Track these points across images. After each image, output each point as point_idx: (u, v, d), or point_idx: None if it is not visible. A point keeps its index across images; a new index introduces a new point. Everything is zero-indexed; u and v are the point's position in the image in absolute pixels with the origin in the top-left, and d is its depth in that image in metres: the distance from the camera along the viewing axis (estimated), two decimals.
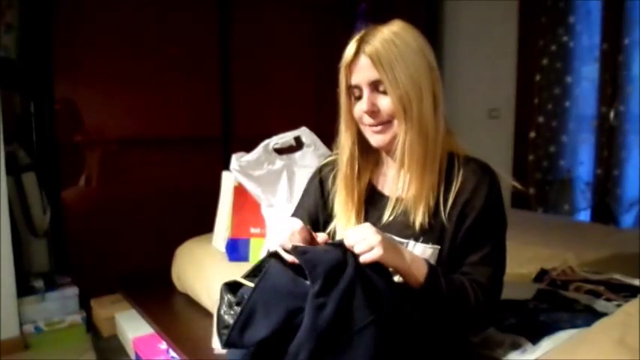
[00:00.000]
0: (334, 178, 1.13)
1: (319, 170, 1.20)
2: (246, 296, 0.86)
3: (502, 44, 3.21)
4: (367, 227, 0.90)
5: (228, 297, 0.89)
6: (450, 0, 3.49)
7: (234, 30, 2.88)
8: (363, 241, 0.88)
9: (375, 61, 0.97)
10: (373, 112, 1.00)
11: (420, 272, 0.93)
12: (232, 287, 0.92)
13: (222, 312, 0.88)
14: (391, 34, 0.98)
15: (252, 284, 0.87)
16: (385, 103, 0.99)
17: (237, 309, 0.86)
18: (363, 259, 0.87)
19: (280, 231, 0.94)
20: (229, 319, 0.86)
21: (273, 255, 0.91)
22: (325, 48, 3.00)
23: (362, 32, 1.01)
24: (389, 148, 1.05)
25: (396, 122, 1.00)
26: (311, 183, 1.21)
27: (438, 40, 3.46)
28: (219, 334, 0.87)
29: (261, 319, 0.82)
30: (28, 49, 2.42)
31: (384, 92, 0.99)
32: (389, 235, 0.99)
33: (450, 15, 3.50)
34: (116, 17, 2.54)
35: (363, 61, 0.99)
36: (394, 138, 1.02)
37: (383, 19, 1.03)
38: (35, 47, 2.41)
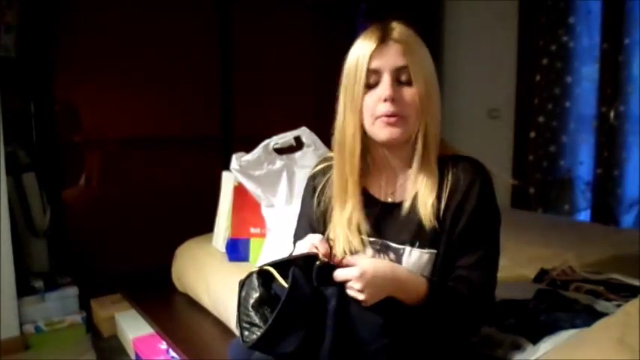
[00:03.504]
0: (327, 183, 1.10)
1: (312, 178, 1.16)
2: (277, 293, 0.87)
3: (502, 44, 3.20)
4: (356, 273, 0.87)
5: (261, 291, 0.86)
6: (450, 0, 3.49)
7: (234, 30, 2.87)
8: (351, 288, 0.88)
9: (405, 49, 0.95)
10: (394, 99, 0.95)
11: (420, 296, 0.92)
12: (263, 276, 0.89)
13: (249, 305, 0.86)
14: (408, 29, 0.98)
15: (284, 283, 0.86)
16: (407, 93, 0.96)
17: (267, 310, 0.85)
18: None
19: (303, 242, 0.96)
20: (256, 318, 0.85)
21: (295, 262, 0.90)
22: (325, 48, 3.00)
23: (381, 23, 0.99)
24: (393, 144, 1.00)
25: (411, 119, 0.97)
26: (306, 192, 1.17)
27: (438, 40, 3.46)
28: (242, 327, 0.86)
29: (291, 332, 0.83)
30: (28, 49, 2.41)
31: (406, 83, 0.96)
32: (380, 261, 0.97)
33: (450, 15, 3.49)
34: (116, 17, 2.53)
35: (392, 46, 0.96)
36: (403, 135, 0.98)
37: (383, 20, 1.01)
38: (35, 47, 2.41)
